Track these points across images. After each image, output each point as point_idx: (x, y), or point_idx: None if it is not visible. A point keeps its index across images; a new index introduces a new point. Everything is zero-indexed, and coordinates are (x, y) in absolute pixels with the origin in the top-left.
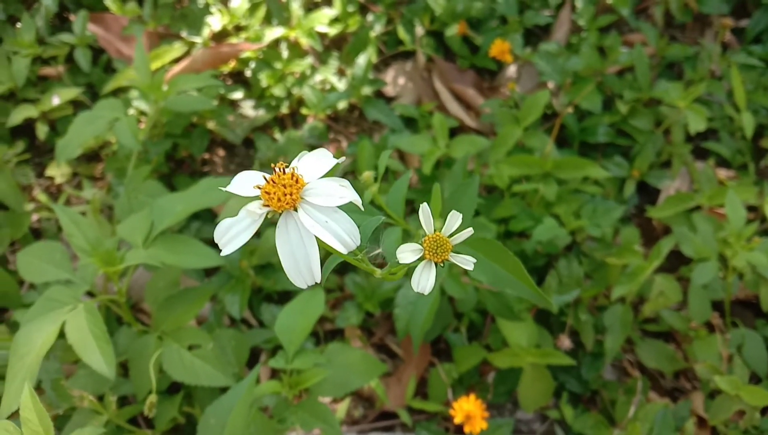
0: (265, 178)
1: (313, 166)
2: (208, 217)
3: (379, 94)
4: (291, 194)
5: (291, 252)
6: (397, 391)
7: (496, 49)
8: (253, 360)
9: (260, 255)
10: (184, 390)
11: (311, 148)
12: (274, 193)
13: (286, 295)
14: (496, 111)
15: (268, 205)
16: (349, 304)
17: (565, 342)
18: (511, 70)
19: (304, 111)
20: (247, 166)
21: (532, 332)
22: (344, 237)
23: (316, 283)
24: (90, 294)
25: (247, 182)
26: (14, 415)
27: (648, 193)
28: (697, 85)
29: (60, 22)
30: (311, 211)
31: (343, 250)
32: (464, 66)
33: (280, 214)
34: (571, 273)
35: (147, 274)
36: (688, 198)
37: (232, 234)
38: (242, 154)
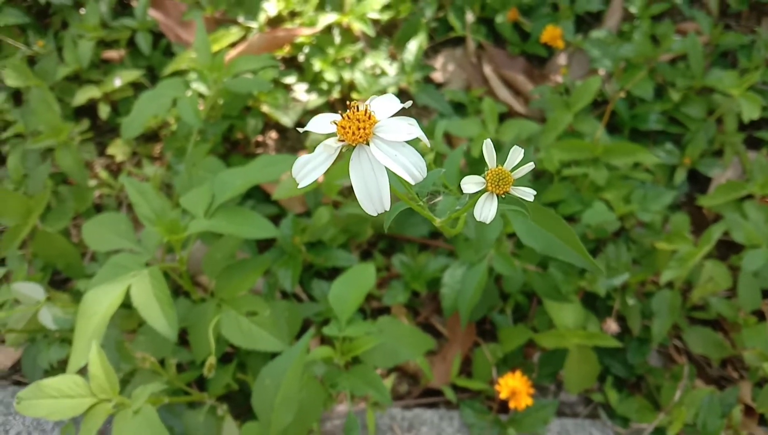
0: (341, 115)
1: (383, 107)
2: (261, 197)
3: (429, 80)
4: (364, 129)
5: (364, 182)
6: (442, 368)
7: (548, 35)
8: (302, 333)
9: (312, 232)
10: (237, 358)
11: None
12: (349, 128)
13: (335, 272)
14: (546, 96)
15: (343, 140)
16: (396, 283)
17: (612, 326)
18: (562, 57)
19: (354, 95)
20: (299, 149)
21: (579, 314)
22: (412, 169)
23: (386, 210)
24: (148, 265)
25: (323, 121)
26: (80, 372)
27: (699, 182)
28: (752, 73)
29: (122, 7)
30: (382, 146)
31: (411, 181)
32: (514, 52)
33: (354, 149)
34: (619, 258)
35: (203, 248)
36: (740, 186)
37: (309, 168)
38: (294, 137)
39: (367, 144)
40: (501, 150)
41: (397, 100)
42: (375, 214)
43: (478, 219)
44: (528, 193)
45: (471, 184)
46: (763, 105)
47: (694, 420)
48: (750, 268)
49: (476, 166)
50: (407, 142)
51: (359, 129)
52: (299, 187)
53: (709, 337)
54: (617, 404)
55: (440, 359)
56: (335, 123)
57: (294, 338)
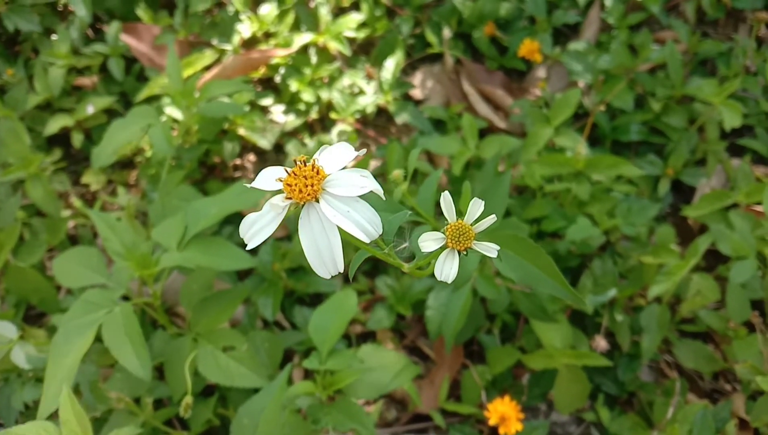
0: (287, 171)
1: (334, 158)
2: (240, 222)
3: (408, 97)
4: (312, 186)
5: (314, 243)
6: (430, 393)
7: (525, 48)
8: (286, 362)
9: (292, 258)
10: (218, 392)
11: None
12: (296, 185)
13: (318, 298)
14: (526, 111)
15: (290, 198)
16: (380, 307)
17: (601, 343)
18: (540, 70)
19: (333, 115)
20: None
21: (566, 333)
22: (366, 226)
23: (339, 272)
24: (125, 298)
25: (270, 177)
26: (53, 416)
27: (683, 192)
28: (731, 81)
29: (94, 32)
30: (333, 202)
31: (365, 239)
32: (493, 67)
33: (303, 206)
34: (605, 273)
35: (182, 277)
36: (725, 196)
37: (257, 228)
38: (273, 159)
39: (317, 201)
40: (481, 167)
41: (351, 149)
42: (328, 277)
43: (439, 278)
44: (491, 249)
45: (430, 241)
46: (744, 112)
47: None
48: (737, 280)
49: (457, 183)
50: (360, 196)
51: (306, 186)
52: (247, 248)
53: (700, 351)
54: (609, 423)
55: (428, 383)
56: (281, 180)
57: (276, 368)
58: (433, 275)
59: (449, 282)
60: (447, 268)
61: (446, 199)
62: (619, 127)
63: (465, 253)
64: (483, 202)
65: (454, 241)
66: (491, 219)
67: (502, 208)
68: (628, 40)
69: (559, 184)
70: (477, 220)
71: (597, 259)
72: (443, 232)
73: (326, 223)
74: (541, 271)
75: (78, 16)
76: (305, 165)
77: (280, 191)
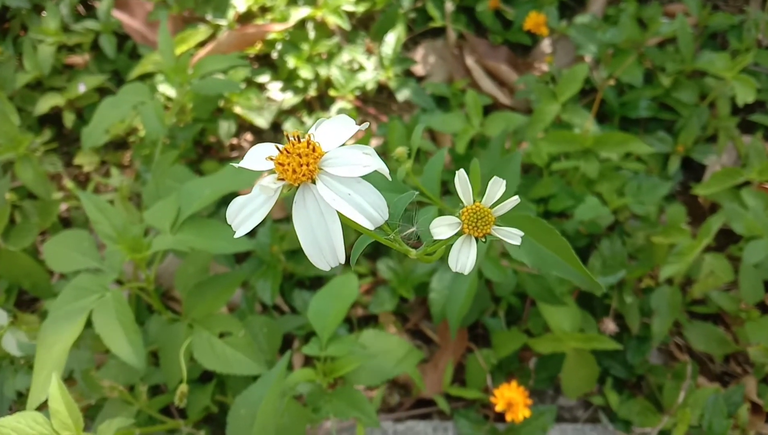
0: (278, 149)
1: (333, 133)
2: None
3: (409, 73)
4: (307, 165)
5: (310, 230)
6: (433, 377)
7: (531, 21)
8: (285, 347)
9: (291, 240)
10: (216, 378)
11: None
12: (289, 165)
13: (318, 281)
14: (532, 86)
15: (283, 179)
16: (382, 290)
17: (610, 326)
18: (546, 44)
19: (332, 93)
20: None
21: (574, 316)
22: (369, 210)
23: (339, 263)
24: (119, 282)
25: (261, 155)
26: (43, 406)
27: (693, 170)
28: (743, 55)
29: (85, 8)
30: (331, 183)
31: (369, 226)
32: (497, 41)
33: (297, 188)
34: (614, 254)
35: (178, 260)
36: (736, 173)
37: (246, 213)
38: (270, 138)
39: (313, 182)
40: (485, 145)
41: (352, 122)
42: (327, 269)
43: (454, 269)
44: (515, 236)
45: (443, 226)
46: (757, 87)
47: (699, 421)
48: (751, 260)
49: (461, 162)
50: (364, 176)
51: (301, 165)
52: (236, 235)
53: (711, 333)
54: (618, 407)
55: (432, 367)
56: (272, 159)
57: (276, 354)
58: (440, 259)
59: (466, 273)
60: (463, 257)
61: (461, 178)
62: (628, 102)
63: (483, 239)
64: (504, 181)
65: (471, 227)
66: (514, 200)
67: (514, 188)
68: (636, 13)
69: (567, 162)
70: (496, 203)
71: (606, 240)
72: (458, 217)
73: (324, 208)
74: (555, 255)
75: None
76: (299, 141)
77: (273, 171)
